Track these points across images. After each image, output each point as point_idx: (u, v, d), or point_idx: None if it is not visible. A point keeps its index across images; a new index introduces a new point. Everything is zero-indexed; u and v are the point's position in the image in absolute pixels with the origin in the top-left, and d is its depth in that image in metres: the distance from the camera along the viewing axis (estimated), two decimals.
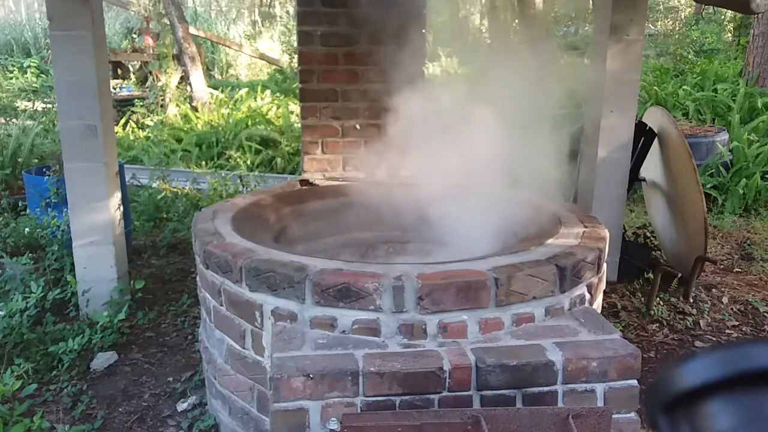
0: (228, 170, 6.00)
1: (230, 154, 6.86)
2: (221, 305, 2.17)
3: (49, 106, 9.41)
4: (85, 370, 2.88)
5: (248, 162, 6.71)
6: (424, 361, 1.74)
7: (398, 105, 2.88)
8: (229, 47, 13.60)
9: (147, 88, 9.76)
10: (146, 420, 2.56)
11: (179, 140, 7.53)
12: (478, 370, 1.71)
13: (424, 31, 3.30)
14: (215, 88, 10.29)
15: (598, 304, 2.30)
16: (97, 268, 3.29)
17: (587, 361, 1.76)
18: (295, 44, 4.32)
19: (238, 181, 5.31)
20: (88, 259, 3.29)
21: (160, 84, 9.37)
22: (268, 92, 9.37)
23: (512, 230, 2.60)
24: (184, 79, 9.45)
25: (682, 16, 16.24)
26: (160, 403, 2.67)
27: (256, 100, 8.84)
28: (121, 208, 3.47)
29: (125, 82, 10.64)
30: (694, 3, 12.64)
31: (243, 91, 9.41)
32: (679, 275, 3.74)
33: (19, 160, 5.78)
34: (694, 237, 3.60)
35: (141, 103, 9.20)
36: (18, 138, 5.98)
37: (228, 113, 8.12)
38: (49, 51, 11.16)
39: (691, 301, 3.62)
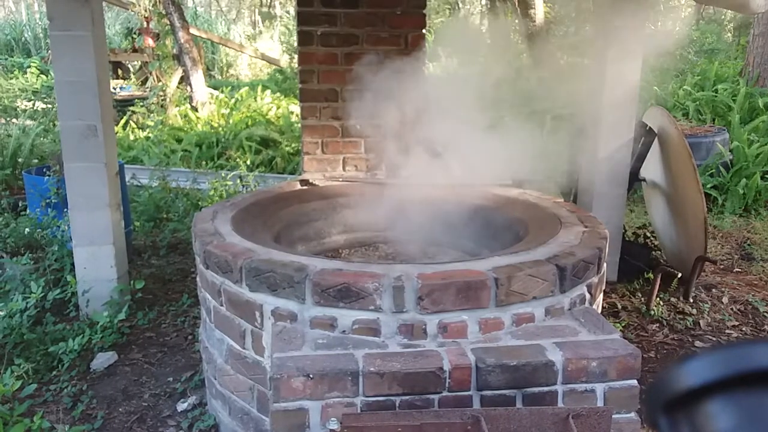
0: (228, 170, 6.00)
1: (230, 154, 6.87)
2: (221, 305, 2.17)
3: (49, 106, 9.40)
4: (85, 370, 2.88)
5: (248, 162, 6.72)
6: (424, 361, 1.74)
7: (398, 104, 2.88)
8: (229, 47, 13.61)
9: (147, 88, 9.77)
10: (146, 420, 2.56)
11: (179, 140, 7.53)
12: (478, 370, 1.71)
13: (424, 30, 3.30)
14: (215, 88, 10.31)
15: (598, 304, 2.29)
16: (97, 268, 3.29)
17: (587, 361, 1.76)
18: (295, 44, 4.31)
19: (238, 181, 5.31)
20: (88, 259, 3.29)
21: (160, 84, 9.38)
22: (268, 92, 9.38)
23: (512, 230, 2.60)
24: (185, 79, 9.45)
25: (682, 16, 16.22)
26: (160, 403, 2.67)
27: (256, 101, 8.84)
28: (121, 208, 3.47)
29: (125, 82, 10.66)
30: (694, 3, 12.64)
31: (243, 91, 9.42)
32: (679, 275, 3.73)
33: (20, 160, 5.78)
34: (694, 237, 3.60)
35: (141, 104, 9.20)
36: (18, 138, 5.99)
37: (228, 113, 8.13)
38: (49, 51, 11.16)
39: (691, 301, 3.62)
